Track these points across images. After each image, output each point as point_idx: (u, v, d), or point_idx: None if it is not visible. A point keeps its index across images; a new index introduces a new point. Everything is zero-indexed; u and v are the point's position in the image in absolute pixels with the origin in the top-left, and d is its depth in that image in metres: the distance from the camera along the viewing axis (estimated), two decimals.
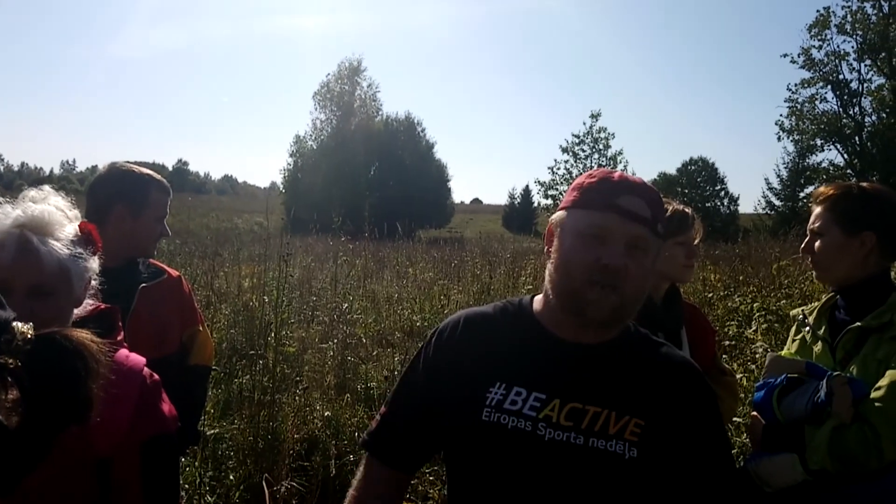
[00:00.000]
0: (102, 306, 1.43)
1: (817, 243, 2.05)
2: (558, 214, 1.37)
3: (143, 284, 2.23)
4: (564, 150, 32.12)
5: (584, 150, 30.56)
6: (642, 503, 1.26)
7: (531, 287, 8.06)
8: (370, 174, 43.56)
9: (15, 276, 1.26)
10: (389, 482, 1.49)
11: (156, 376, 1.38)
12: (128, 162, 2.35)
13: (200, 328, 2.47)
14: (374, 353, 5.84)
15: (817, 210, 2.08)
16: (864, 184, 2.07)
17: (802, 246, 2.12)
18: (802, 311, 2.23)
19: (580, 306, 1.27)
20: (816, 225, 2.05)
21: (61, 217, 1.35)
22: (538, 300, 1.42)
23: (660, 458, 1.25)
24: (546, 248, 1.39)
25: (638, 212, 1.28)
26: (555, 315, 1.35)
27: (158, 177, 2.31)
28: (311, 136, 46.11)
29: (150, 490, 1.30)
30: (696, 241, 2.30)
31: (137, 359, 1.37)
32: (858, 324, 1.94)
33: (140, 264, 2.30)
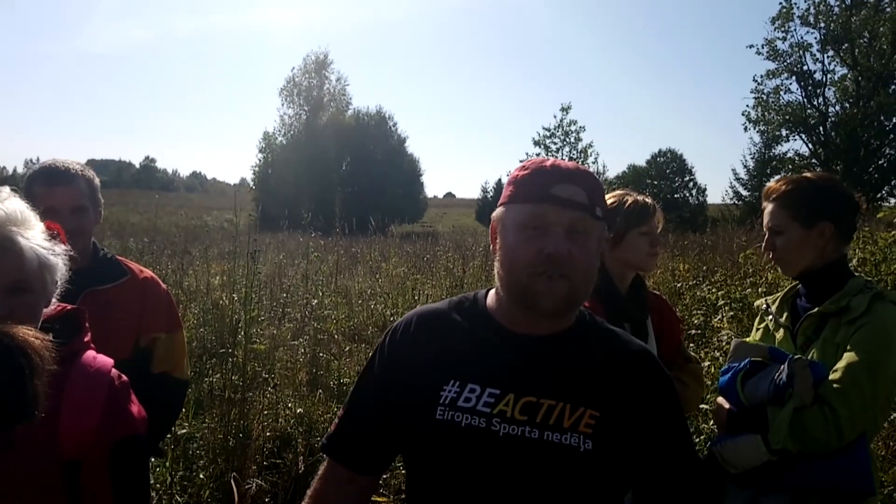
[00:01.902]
0: (68, 307, 1.41)
1: (777, 241, 2.09)
2: (498, 211, 1.37)
3: (92, 288, 2.12)
4: (536, 143, 32.21)
5: (555, 143, 30.61)
6: (599, 495, 1.26)
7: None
8: (342, 169, 43.32)
9: None
10: (351, 486, 1.47)
11: (124, 377, 1.36)
12: (90, 159, 2.28)
13: (164, 335, 2.30)
14: (347, 348, 5.82)
15: (770, 207, 2.12)
16: (809, 174, 2.12)
17: (763, 245, 2.16)
18: (766, 300, 2.28)
19: (530, 300, 1.27)
20: (774, 223, 2.10)
21: (32, 215, 1.33)
22: (492, 295, 1.41)
23: (616, 449, 1.25)
24: (492, 245, 1.39)
25: (574, 198, 1.27)
26: (507, 309, 1.35)
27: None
28: (279, 131, 45.68)
29: (120, 493, 1.29)
30: (658, 230, 2.32)
31: (105, 360, 1.35)
32: (818, 309, 2.00)
33: (103, 264, 2.23)
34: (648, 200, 2.32)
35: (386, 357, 1.44)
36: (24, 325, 1.18)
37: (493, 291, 1.41)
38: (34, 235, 1.31)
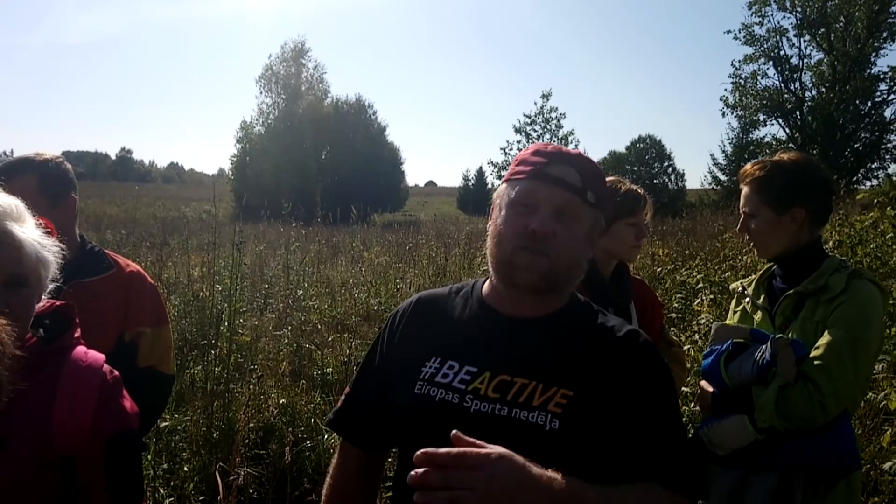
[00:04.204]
0: (57, 302, 1.40)
1: (751, 224, 2.13)
2: (499, 189, 1.40)
3: (77, 280, 2.09)
4: (517, 131, 32.19)
5: (535, 131, 30.59)
6: (568, 474, 1.23)
7: (487, 268, 8.10)
8: (321, 158, 42.94)
9: None
10: (363, 463, 1.52)
11: (116, 373, 1.35)
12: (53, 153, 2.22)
13: (149, 330, 2.26)
14: (330, 338, 5.81)
15: (745, 190, 2.15)
16: (785, 157, 2.13)
17: (738, 227, 2.21)
18: (741, 283, 2.31)
19: (510, 273, 1.30)
20: (748, 207, 2.13)
21: (26, 209, 1.32)
22: (489, 281, 1.44)
23: (588, 430, 1.24)
24: (489, 222, 1.41)
25: (565, 178, 1.30)
26: (496, 290, 1.38)
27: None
28: (257, 120, 45.20)
29: (115, 488, 1.29)
30: (646, 221, 2.34)
31: (96, 356, 1.34)
32: (797, 289, 2.03)
33: (89, 257, 2.20)
34: (640, 191, 2.31)
35: (387, 338, 1.49)
36: (19, 319, 1.18)
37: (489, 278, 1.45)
38: (30, 229, 1.30)
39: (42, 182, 2.11)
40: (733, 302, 2.34)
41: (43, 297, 1.35)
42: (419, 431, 1.32)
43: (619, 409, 1.26)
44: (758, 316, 2.15)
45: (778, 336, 1.93)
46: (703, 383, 2.12)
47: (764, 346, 1.92)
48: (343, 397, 1.54)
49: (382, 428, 1.48)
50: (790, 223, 2.06)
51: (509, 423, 1.24)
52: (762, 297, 2.18)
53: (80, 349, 1.34)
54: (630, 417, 1.27)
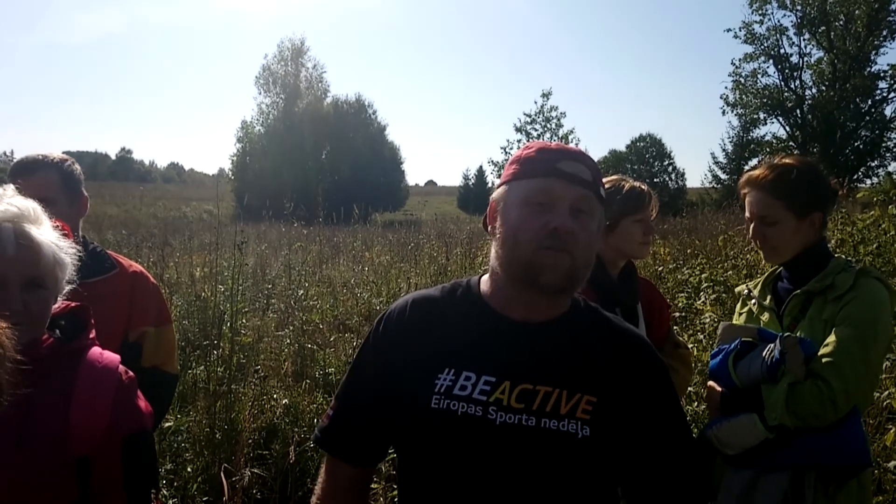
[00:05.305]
0: (72, 304, 1.42)
1: (769, 231, 2.07)
2: (499, 190, 1.35)
3: (80, 282, 2.12)
4: (518, 130, 32.19)
5: (536, 130, 30.56)
6: (597, 481, 1.26)
7: (488, 267, 8.08)
8: (321, 158, 42.92)
9: (11, 269, 1.25)
10: (353, 478, 1.46)
11: (131, 373, 1.38)
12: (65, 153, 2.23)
13: (152, 329, 2.26)
14: (332, 338, 5.81)
15: (758, 196, 2.08)
16: (789, 160, 2.10)
17: (751, 234, 2.14)
18: (747, 285, 2.30)
19: (534, 274, 1.24)
20: (765, 213, 2.07)
21: (42, 212, 1.35)
22: (485, 280, 1.39)
23: (613, 435, 1.24)
24: (490, 226, 1.37)
25: (580, 175, 1.28)
26: (503, 294, 1.33)
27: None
28: (257, 120, 45.21)
29: (131, 486, 1.31)
30: (652, 217, 2.32)
31: (112, 356, 1.37)
32: (804, 289, 2.03)
33: (91, 258, 2.19)
34: (644, 188, 2.29)
35: (379, 345, 1.40)
36: (38, 320, 1.23)
37: (486, 277, 1.39)
38: (47, 231, 1.33)
39: (63, 179, 2.15)
40: (739, 304, 2.33)
41: (59, 298, 1.37)
42: (441, 447, 1.28)
43: (639, 417, 1.27)
44: (765, 317, 2.14)
45: (786, 334, 1.93)
46: (711, 383, 2.11)
47: (772, 345, 1.92)
48: (331, 412, 1.45)
49: (379, 441, 1.43)
50: (809, 227, 2.04)
51: (539, 433, 1.22)
52: (769, 298, 2.17)
53: (96, 350, 1.37)
54: (650, 426, 1.28)
